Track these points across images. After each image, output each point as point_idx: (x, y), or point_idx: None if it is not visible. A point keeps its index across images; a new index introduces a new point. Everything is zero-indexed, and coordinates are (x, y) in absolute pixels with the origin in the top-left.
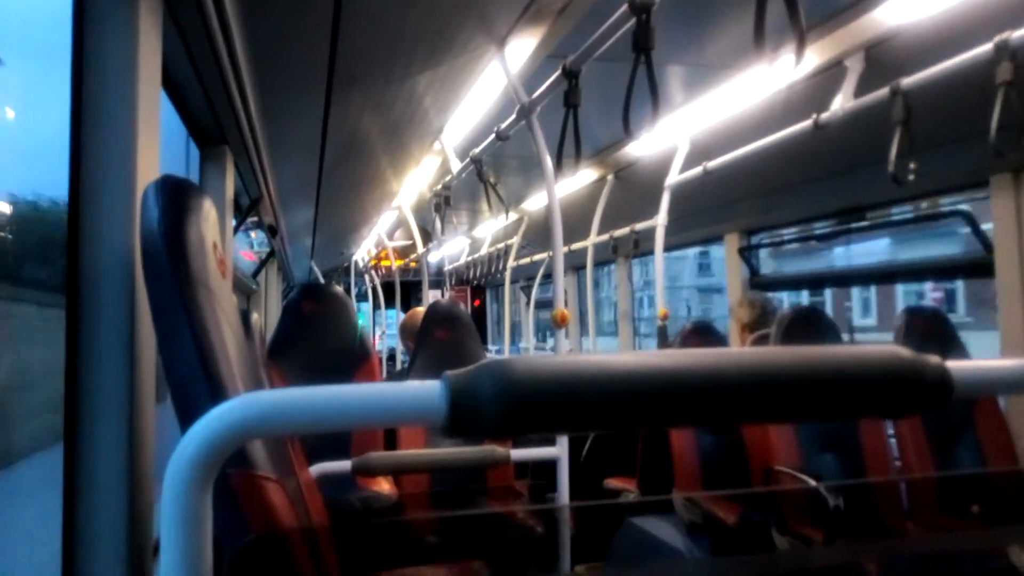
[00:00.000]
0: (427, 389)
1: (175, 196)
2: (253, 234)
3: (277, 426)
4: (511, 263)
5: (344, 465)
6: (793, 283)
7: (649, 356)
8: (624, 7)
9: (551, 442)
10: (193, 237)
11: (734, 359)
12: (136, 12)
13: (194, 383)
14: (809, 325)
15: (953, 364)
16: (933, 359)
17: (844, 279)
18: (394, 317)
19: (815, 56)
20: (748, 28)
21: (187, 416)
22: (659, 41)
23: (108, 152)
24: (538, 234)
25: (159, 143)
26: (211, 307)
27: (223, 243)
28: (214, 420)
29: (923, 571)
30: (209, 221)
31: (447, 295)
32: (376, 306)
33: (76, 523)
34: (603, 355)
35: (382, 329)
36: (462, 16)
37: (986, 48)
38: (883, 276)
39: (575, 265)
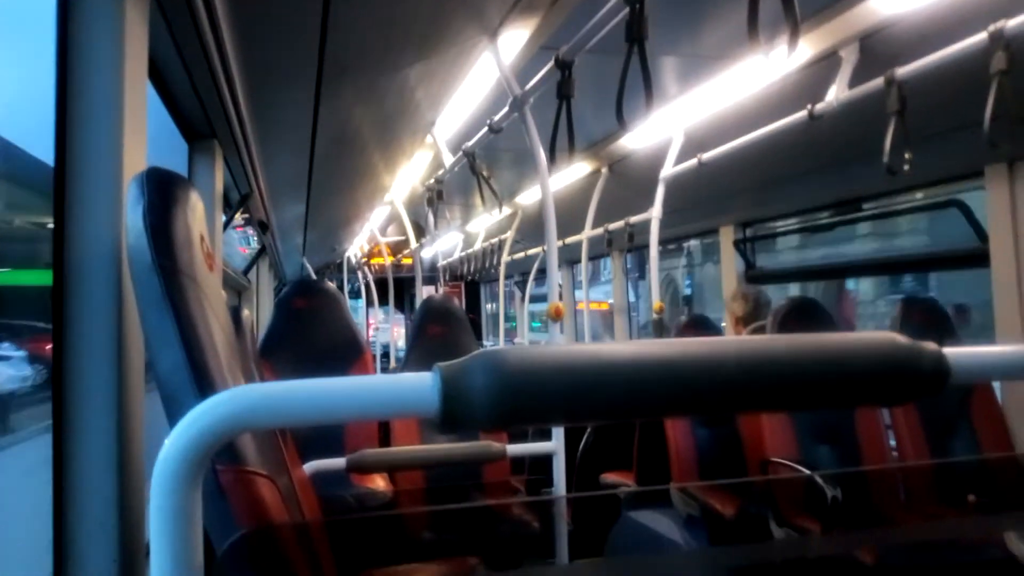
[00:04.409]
0: (419, 380)
1: (161, 188)
2: (251, 231)
3: (266, 419)
4: (505, 258)
5: (339, 462)
6: (789, 276)
7: (644, 345)
8: None
9: (547, 437)
10: (179, 230)
11: (730, 348)
12: (122, 2)
13: (181, 377)
14: (804, 316)
15: (950, 350)
16: (930, 345)
17: (840, 271)
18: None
19: (809, 47)
20: (742, 18)
21: (174, 411)
22: (653, 32)
23: (94, 144)
24: (532, 228)
25: (146, 135)
26: (198, 301)
27: (212, 237)
28: (202, 414)
29: (921, 560)
30: (196, 214)
31: (441, 291)
32: (369, 303)
33: (67, 523)
34: (598, 345)
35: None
36: (454, 7)
37: (981, 37)
38: (879, 268)
39: (570, 259)
